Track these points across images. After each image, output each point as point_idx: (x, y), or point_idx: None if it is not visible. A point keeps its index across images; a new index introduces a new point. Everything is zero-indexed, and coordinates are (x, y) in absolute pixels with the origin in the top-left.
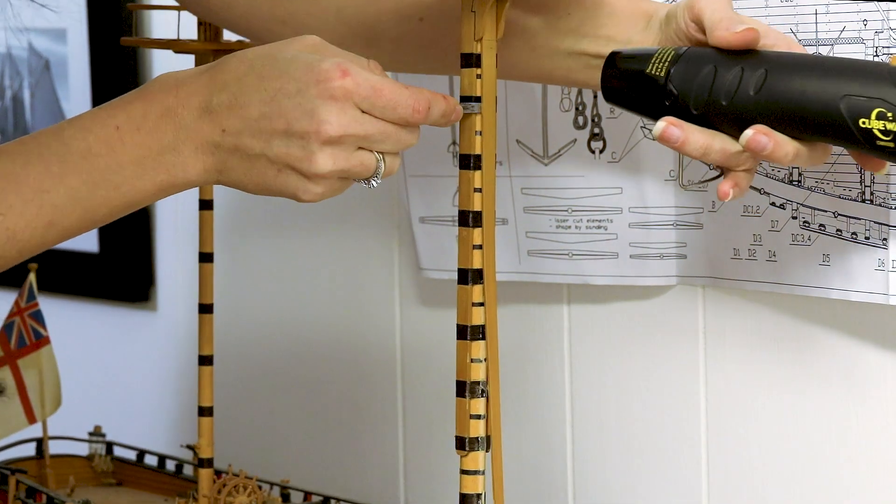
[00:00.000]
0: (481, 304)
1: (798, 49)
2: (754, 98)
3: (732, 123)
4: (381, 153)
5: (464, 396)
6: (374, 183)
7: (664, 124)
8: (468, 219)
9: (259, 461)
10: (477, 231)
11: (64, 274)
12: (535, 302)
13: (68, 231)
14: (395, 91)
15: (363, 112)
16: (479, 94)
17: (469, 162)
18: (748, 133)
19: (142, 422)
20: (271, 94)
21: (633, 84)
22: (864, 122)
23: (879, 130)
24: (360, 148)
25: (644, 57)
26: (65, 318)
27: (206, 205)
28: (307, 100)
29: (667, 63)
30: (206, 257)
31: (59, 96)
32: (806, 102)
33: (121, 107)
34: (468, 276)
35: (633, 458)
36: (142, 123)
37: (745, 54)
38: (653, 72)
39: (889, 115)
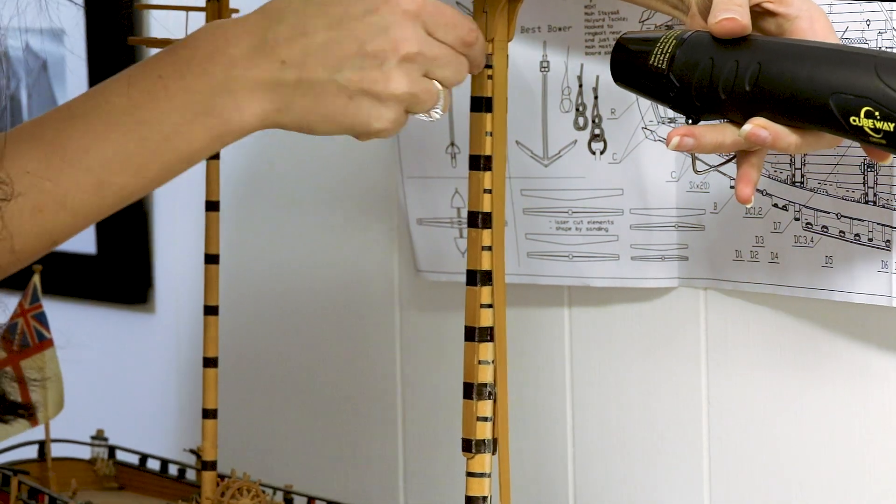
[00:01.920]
0: (489, 306)
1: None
2: (751, 92)
3: (736, 113)
4: (441, 84)
5: (471, 398)
6: (435, 114)
7: (677, 139)
8: (477, 220)
9: (258, 465)
10: (486, 232)
11: (61, 276)
12: (536, 304)
13: (123, 192)
14: (454, 11)
15: (428, 34)
16: (490, 95)
17: (479, 163)
18: (747, 128)
19: (140, 424)
20: (337, 19)
21: (638, 73)
22: (854, 120)
23: (870, 128)
24: (423, 75)
25: (648, 46)
26: (62, 319)
27: (212, 206)
28: (380, 18)
29: (667, 55)
30: (211, 259)
31: (57, 97)
32: (798, 99)
33: (164, 56)
34: (476, 278)
35: (635, 461)
36: (186, 70)
37: (740, 43)
38: (655, 63)
39: (877, 113)
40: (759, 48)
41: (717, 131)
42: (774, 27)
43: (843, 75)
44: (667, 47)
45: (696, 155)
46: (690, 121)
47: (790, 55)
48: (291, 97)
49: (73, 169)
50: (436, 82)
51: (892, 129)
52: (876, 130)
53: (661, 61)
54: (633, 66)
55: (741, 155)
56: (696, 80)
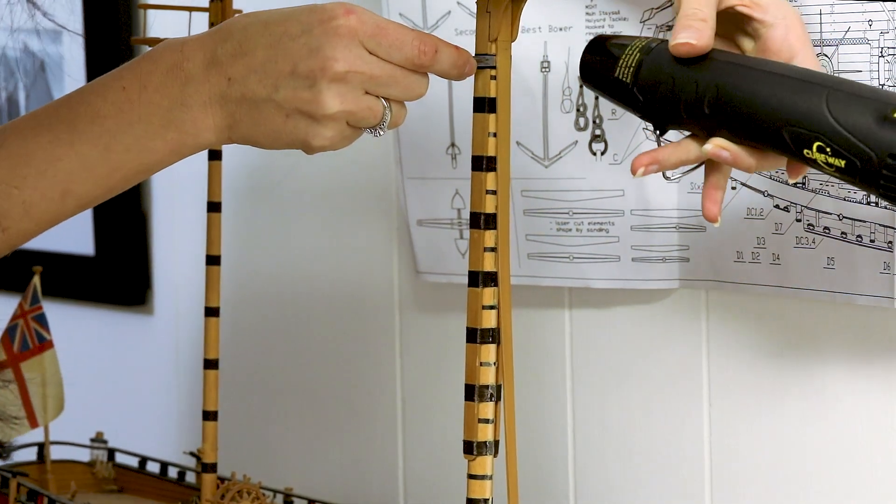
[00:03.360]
0: (492, 308)
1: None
2: (709, 115)
3: (699, 130)
4: (389, 101)
5: (472, 400)
6: (380, 132)
7: (642, 169)
8: (480, 221)
9: (259, 467)
10: (488, 233)
11: (60, 277)
12: (536, 306)
13: (84, 200)
14: (400, 31)
15: (370, 53)
16: (493, 96)
17: (482, 163)
18: (707, 147)
19: (140, 426)
20: (276, 37)
21: (604, 82)
22: (807, 153)
23: (822, 162)
24: (366, 93)
25: (614, 54)
26: (61, 321)
27: (213, 207)
28: (312, 38)
29: (632, 68)
30: (213, 260)
31: (55, 97)
32: (754, 126)
33: (127, 69)
34: (479, 279)
35: (636, 463)
36: (147, 81)
37: (701, 62)
38: (619, 76)
39: (828, 150)
40: (718, 70)
41: (680, 150)
42: (750, 30)
43: (796, 108)
44: (631, 60)
45: None
46: (658, 132)
47: (747, 80)
48: (238, 113)
49: (40, 178)
50: (382, 100)
51: (843, 166)
52: (828, 164)
53: (625, 74)
54: (599, 74)
55: (708, 165)
56: (658, 96)
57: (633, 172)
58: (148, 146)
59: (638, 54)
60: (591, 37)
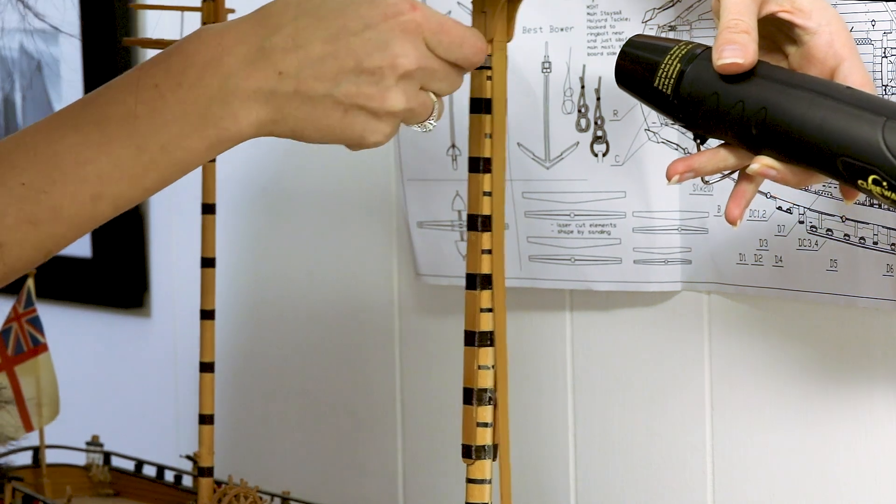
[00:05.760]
0: (489, 311)
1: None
2: (757, 136)
3: (741, 146)
4: (435, 95)
5: (471, 404)
6: (429, 125)
7: (676, 177)
8: (477, 223)
9: (256, 471)
10: (486, 235)
11: (56, 279)
12: (537, 308)
13: (118, 202)
14: (459, 29)
15: (428, 49)
16: (489, 97)
17: (478, 165)
18: (754, 167)
19: (136, 430)
20: (334, 32)
21: (642, 89)
22: (862, 183)
23: (878, 194)
24: (421, 88)
25: (652, 60)
26: (57, 324)
27: (208, 209)
28: (378, 34)
29: (672, 80)
30: (208, 262)
31: (52, 98)
32: (805, 153)
33: (158, 64)
34: (476, 281)
35: (637, 467)
36: (182, 79)
37: (746, 78)
38: (659, 86)
39: (884, 184)
40: (766, 90)
41: (717, 158)
42: (793, 36)
43: (850, 138)
44: (672, 70)
45: None
46: (699, 139)
47: (797, 104)
48: (287, 108)
49: (69, 181)
50: (431, 94)
51: None
52: (883, 196)
53: (665, 86)
54: (637, 81)
55: (743, 172)
56: (701, 112)
57: (668, 179)
58: (184, 144)
59: (678, 64)
60: (592, 37)
